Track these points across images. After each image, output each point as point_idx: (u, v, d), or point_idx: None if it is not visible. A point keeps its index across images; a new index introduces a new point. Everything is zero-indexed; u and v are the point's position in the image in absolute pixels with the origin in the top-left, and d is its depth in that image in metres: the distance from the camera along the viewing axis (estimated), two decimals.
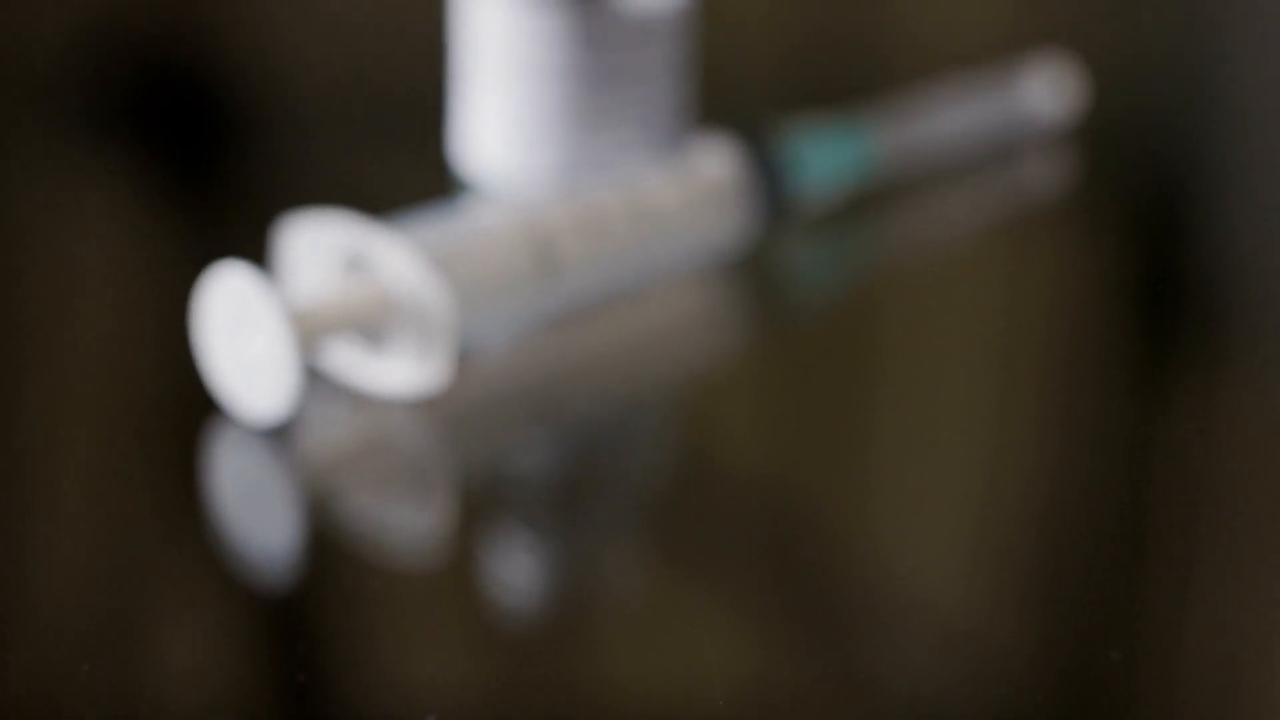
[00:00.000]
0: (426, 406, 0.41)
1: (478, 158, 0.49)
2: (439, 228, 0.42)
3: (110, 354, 0.45)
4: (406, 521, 0.39)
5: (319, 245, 0.42)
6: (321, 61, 0.63)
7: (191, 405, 0.41)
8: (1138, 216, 0.56)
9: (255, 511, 0.39)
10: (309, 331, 0.39)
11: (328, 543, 0.39)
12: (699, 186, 0.46)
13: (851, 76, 0.65)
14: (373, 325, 0.41)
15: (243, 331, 0.39)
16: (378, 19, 0.66)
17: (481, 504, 0.40)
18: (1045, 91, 0.56)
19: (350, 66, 0.63)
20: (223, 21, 0.67)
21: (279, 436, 0.40)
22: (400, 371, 0.41)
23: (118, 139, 0.58)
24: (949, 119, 0.54)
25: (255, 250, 0.45)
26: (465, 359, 0.43)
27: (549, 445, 0.42)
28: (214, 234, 0.52)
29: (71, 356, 0.45)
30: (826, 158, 0.49)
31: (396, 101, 0.59)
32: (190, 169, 0.56)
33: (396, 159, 0.56)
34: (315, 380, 0.42)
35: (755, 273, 0.49)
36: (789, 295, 0.50)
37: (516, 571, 0.38)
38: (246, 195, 0.55)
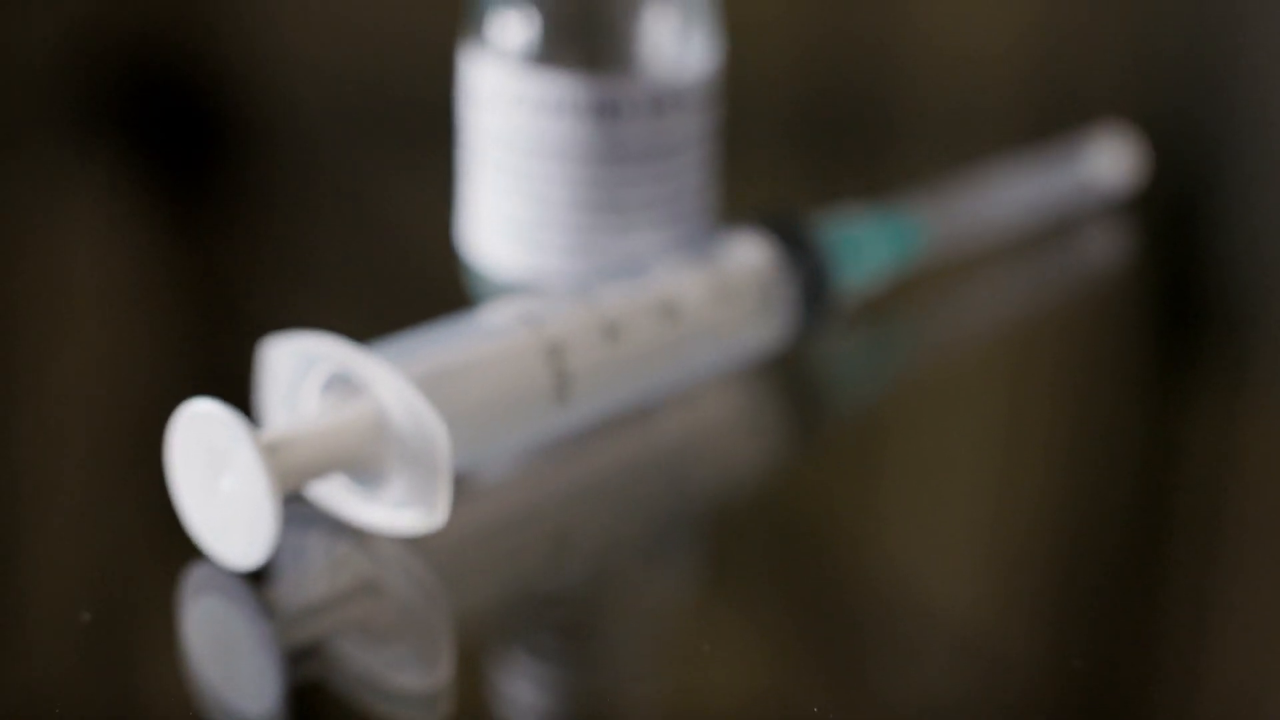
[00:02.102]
0: (423, 540, 0.37)
1: (483, 247, 0.45)
2: (434, 342, 0.38)
3: (73, 472, 0.41)
4: (401, 673, 0.35)
5: (303, 367, 0.37)
6: (328, 96, 0.61)
7: (164, 545, 0.37)
8: (1202, 291, 0.52)
9: (233, 663, 0.35)
10: (288, 471, 0.35)
11: (313, 698, 0.35)
12: (733, 285, 0.42)
13: (877, 130, 0.62)
14: (362, 460, 0.36)
15: (216, 470, 0.35)
16: (398, 50, 0.63)
17: (485, 652, 0.36)
18: (1104, 162, 0.52)
19: (360, 106, 0.60)
20: (226, 34, 0.65)
21: (259, 580, 0.36)
22: (393, 509, 0.37)
23: (104, 165, 0.56)
24: (1001, 196, 0.49)
25: (245, 335, 0.41)
26: (467, 482, 0.39)
27: (561, 581, 0.38)
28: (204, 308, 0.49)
29: (24, 468, 0.41)
30: (872, 248, 0.45)
31: (404, 167, 0.56)
32: (181, 224, 0.53)
33: (401, 223, 0.53)
34: (298, 513, 0.38)
35: (793, 373, 0.45)
36: (831, 397, 0.46)
37: None
38: (237, 260, 0.52)
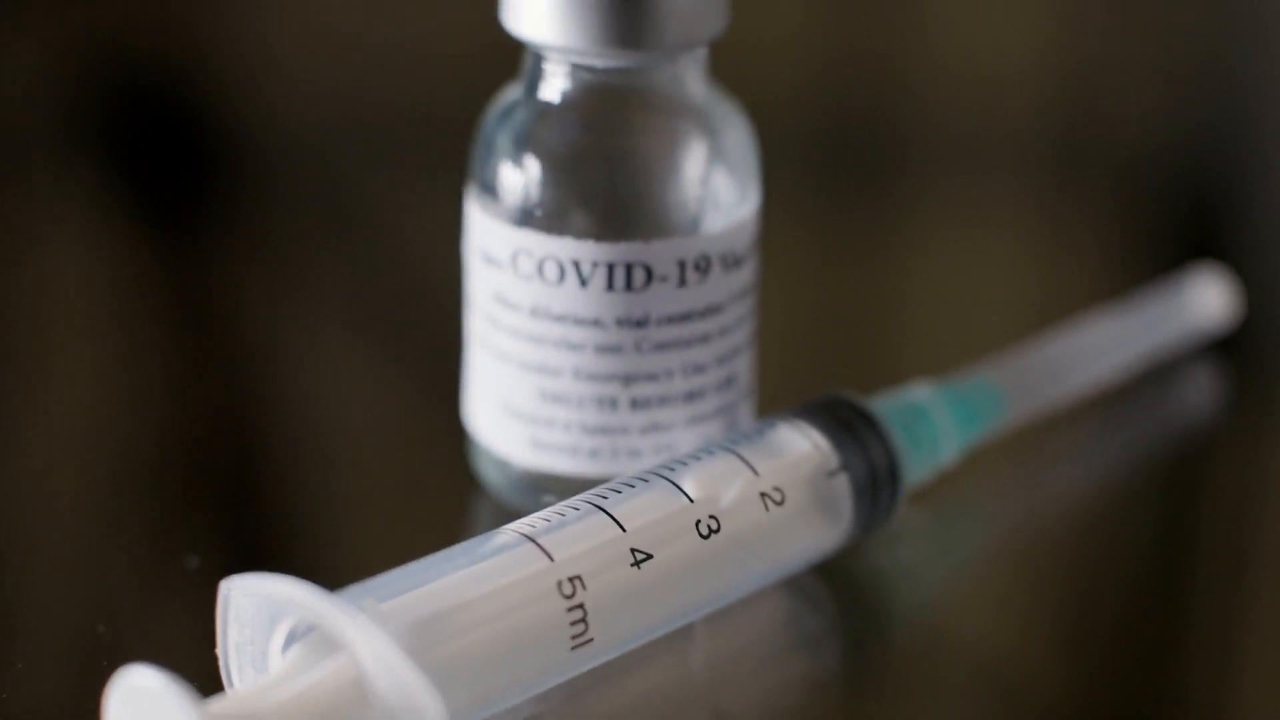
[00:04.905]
0: None
1: (485, 430, 0.39)
2: (423, 576, 0.32)
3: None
4: None
5: (268, 614, 0.31)
6: (331, 116, 0.58)
7: None
8: None
9: None
10: None
11: None
12: (782, 487, 0.35)
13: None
14: None
15: None
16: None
17: None
18: (1198, 304, 0.46)
19: (366, 126, 0.58)
20: (223, 52, 0.62)
21: None
22: None
23: (95, 190, 0.54)
24: (1084, 352, 0.43)
25: None
26: None
27: None
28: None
29: None
30: (945, 431, 0.38)
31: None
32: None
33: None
34: None
35: (845, 571, 0.38)
36: (889, 599, 0.39)
37: None
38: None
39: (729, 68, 0.40)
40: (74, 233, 0.52)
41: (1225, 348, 0.47)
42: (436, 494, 0.43)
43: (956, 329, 0.50)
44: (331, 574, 0.40)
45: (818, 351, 0.49)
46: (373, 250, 0.52)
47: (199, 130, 0.58)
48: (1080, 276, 0.54)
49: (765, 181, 0.38)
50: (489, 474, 0.39)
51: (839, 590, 0.38)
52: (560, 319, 0.36)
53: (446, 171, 0.45)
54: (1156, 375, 0.46)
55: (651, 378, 0.37)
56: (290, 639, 0.31)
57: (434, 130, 0.57)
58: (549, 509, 0.34)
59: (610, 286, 0.36)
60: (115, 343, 0.48)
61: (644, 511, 0.34)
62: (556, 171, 0.36)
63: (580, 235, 0.36)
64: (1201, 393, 0.46)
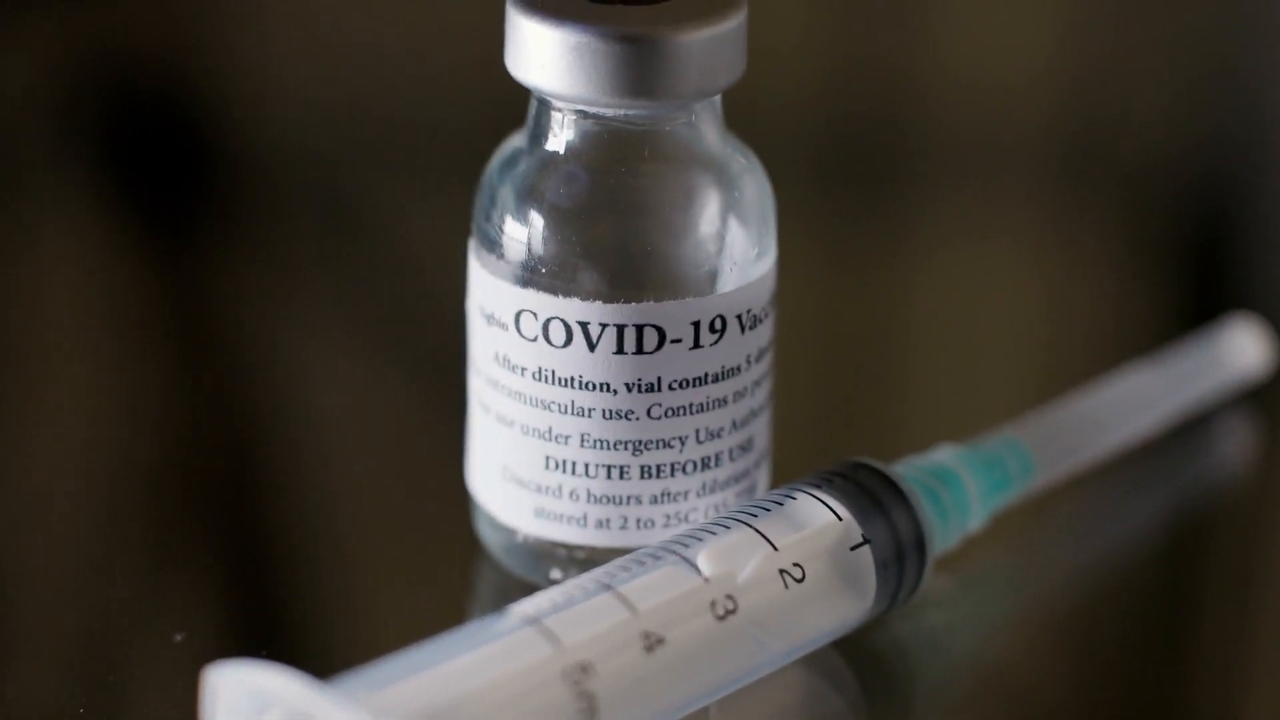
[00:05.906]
0: None
1: (489, 498, 0.37)
2: (420, 667, 0.30)
3: None
4: None
5: (255, 705, 0.29)
6: (334, 125, 0.57)
7: None
8: None
9: None
10: None
11: None
12: (802, 562, 0.34)
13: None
14: None
15: None
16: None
17: None
18: (1228, 357, 0.44)
19: (370, 137, 0.57)
20: (222, 61, 0.61)
21: None
22: None
23: (90, 201, 0.53)
24: (1113, 409, 0.41)
25: None
26: None
27: None
28: None
29: None
30: (974, 496, 0.37)
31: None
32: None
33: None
34: None
35: (865, 642, 0.37)
36: (912, 673, 0.38)
37: None
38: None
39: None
40: (72, 239, 0.51)
41: (1259, 397, 0.45)
42: (437, 552, 0.41)
43: (964, 339, 0.49)
44: (325, 642, 0.39)
45: (824, 358, 0.48)
46: (373, 259, 0.52)
47: (198, 136, 0.58)
48: (1089, 286, 0.53)
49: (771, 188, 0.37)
50: (491, 539, 0.38)
51: (860, 665, 0.36)
52: (567, 383, 0.34)
53: (449, 179, 0.44)
54: (1189, 429, 0.44)
55: (663, 444, 0.35)
56: None
57: (437, 137, 0.56)
58: (555, 588, 0.32)
59: (620, 349, 0.34)
60: (111, 353, 0.47)
61: (655, 591, 0.32)
62: (562, 226, 0.34)
63: (588, 295, 0.34)
64: (1235, 447, 0.45)
